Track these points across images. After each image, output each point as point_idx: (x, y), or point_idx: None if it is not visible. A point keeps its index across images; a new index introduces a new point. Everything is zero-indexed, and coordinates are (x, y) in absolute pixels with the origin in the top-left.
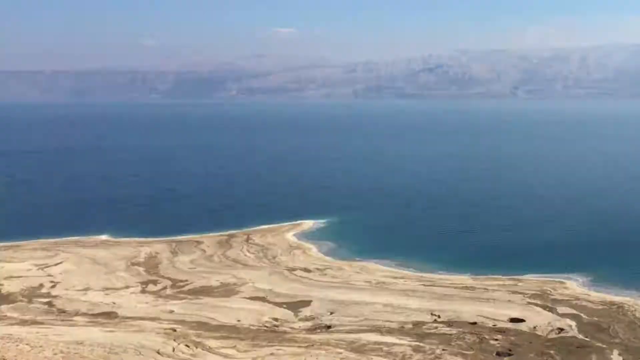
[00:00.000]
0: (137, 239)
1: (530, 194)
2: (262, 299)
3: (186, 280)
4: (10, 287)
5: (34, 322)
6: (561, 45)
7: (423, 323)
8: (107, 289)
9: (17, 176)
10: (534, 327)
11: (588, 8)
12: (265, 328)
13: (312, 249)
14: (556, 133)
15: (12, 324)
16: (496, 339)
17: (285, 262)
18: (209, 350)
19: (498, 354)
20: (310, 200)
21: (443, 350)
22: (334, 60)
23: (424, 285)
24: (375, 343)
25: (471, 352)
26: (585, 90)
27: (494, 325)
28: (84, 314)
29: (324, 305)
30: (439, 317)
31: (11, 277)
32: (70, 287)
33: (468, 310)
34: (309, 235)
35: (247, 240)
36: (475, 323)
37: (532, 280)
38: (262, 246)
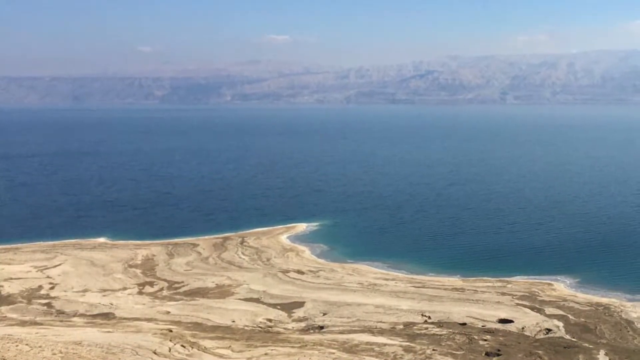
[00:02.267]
0: (134, 242)
1: (518, 197)
2: (257, 300)
3: (182, 282)
4: (10, 288)
5: (33, 323)
6: (549, 51)
7: (414, 324)
8: (105, 290)
9: (17, 179)
10: (523, 328)
11: (576, 16)
12: (259, 329)
13: (306, 251)
14: (544, 137)
15: (11, 325)
16: (485, 340)
17: (279, 264)
18: (205, 350)
19: (487, 354)
20: (304, 203)
21: (433, 350)
22: (326, 67)
23: (414, 286)
24: (367, 343)
25: (461, 352)
26: (572, 95)
27: (483, 326)
28: (82, 315)
29: (317, 306)
30: (429, 318)
31: (11, 278)
32: (69, 289)
33: (458, 311)
34: (302, 238)
35: (242, 242)
36: (464, 324)
37: (520, 282)
38: (257, 248)
